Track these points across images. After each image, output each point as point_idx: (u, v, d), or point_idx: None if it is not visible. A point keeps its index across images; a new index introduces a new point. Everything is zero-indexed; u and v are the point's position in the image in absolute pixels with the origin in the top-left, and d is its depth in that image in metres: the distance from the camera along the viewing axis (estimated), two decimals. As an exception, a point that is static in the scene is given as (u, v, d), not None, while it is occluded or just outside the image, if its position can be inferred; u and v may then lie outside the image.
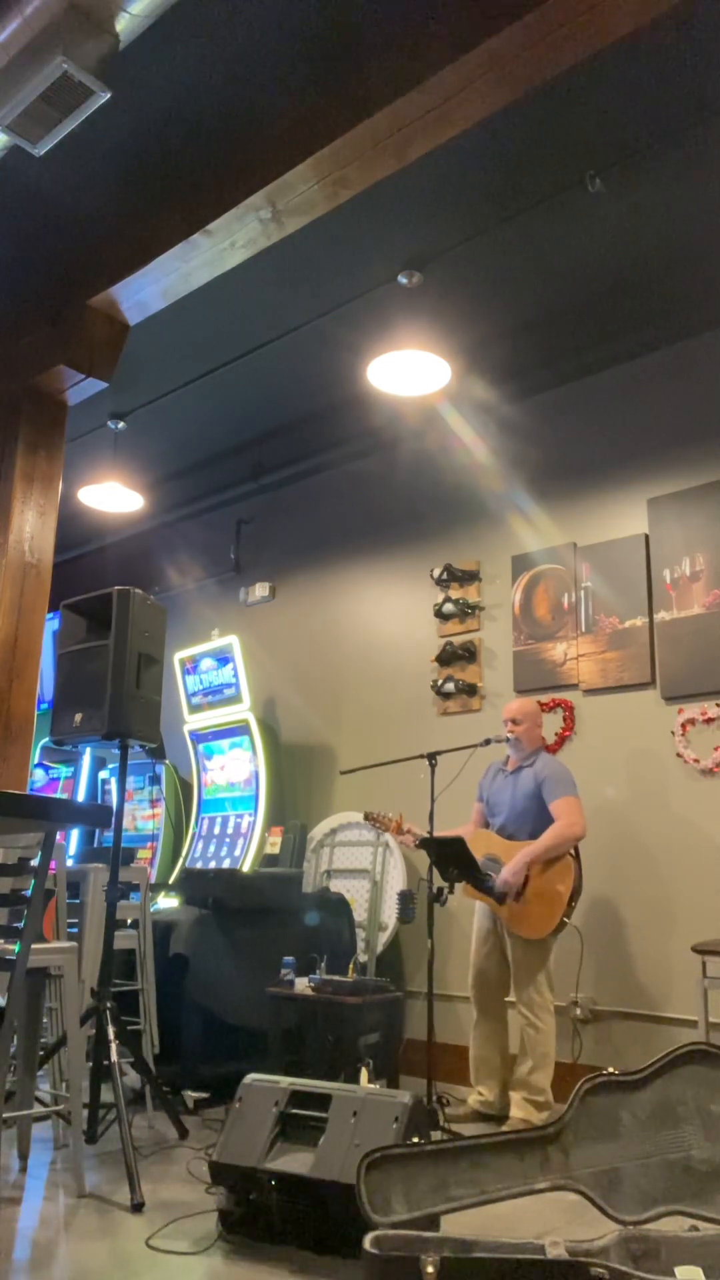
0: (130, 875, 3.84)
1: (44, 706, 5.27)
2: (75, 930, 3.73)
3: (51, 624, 4.59)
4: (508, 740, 4.01)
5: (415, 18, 2.73)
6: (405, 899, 4.06)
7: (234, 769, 5.68)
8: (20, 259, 4.05)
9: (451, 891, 3.68)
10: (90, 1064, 3.26)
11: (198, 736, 5.90)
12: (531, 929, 3.72)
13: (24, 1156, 3.12)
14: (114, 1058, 3.11)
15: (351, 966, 4.15)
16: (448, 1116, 3.66)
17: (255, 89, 3.14)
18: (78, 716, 3.37)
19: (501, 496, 4.94)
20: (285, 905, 4.56)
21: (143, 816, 6.10)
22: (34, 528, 4.06)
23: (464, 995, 4.03)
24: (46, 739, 4.64)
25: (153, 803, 6.08)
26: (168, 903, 4.65)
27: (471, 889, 3.83)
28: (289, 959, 4.01)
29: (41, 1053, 3.21)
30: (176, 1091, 3.87)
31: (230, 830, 5.58)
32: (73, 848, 5.45)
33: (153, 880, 4.90)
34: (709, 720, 4.01)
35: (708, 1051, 2.17)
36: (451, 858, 3.68)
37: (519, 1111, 3.65)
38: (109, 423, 5.35)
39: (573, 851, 3.77)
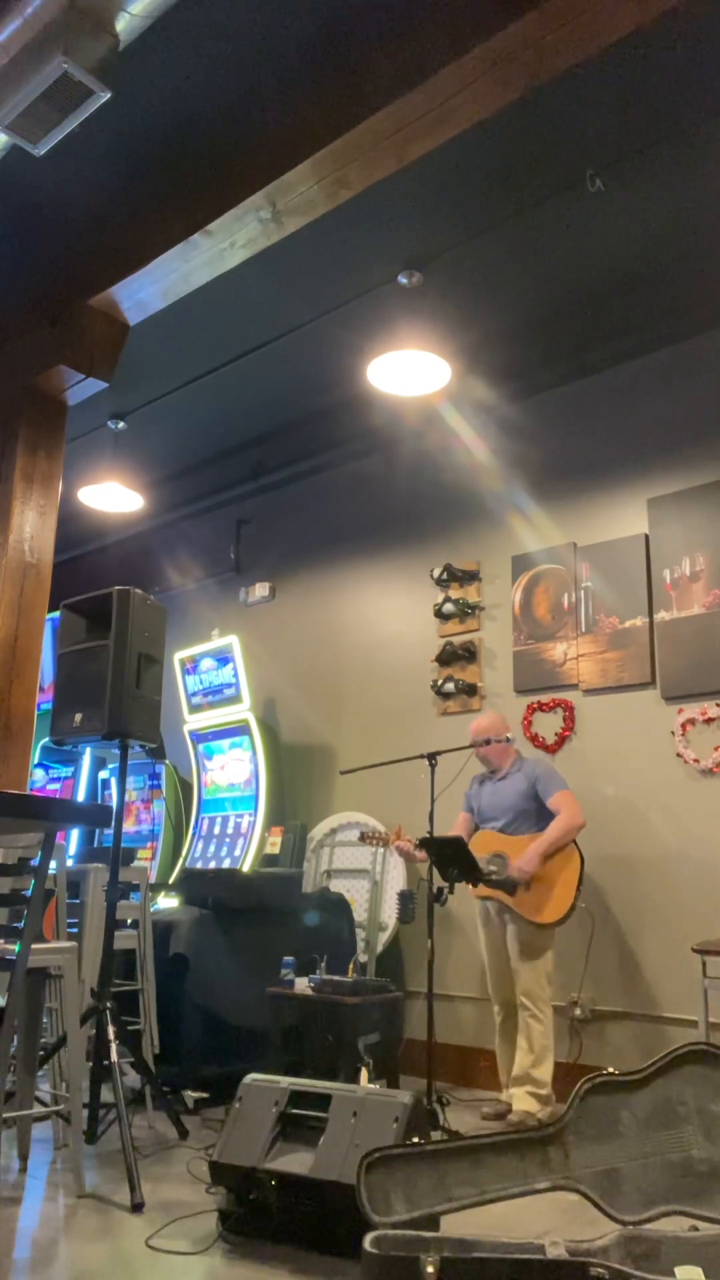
0: (130, 875, 3.84)
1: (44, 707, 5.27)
2: (75, 930, 3.73)
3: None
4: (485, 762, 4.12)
5: (415, 18, 2.73)
6: (405, 899, 4.07)
7: (234, 769, 5.68)
8: (20, 259, 4.05)
9: (451, 891, 3.69)
10: (90, 1064, 3.26)
11: (198, 736, 5.90)
12: (547, 914, 3.77)
13: (24, 1156, 3.12)
14: (114, 1058, 3.10)
15: (351, 966, 4.14)
16: (483, 1116, 3.71)
17: (255, 89, 3.14)
18: (78, 716, 3.37)
19: (501, 496, 4.94)
20: (285, 905, 4.55)
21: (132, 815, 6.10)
22: (34, 528, 4.06)
23: (464, 995, 4.03)
24: (46, 739, 4.64)
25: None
26: (168, 903, 4.65)
27: (484, 887, 3.85)
28: (289, 959, 4.00)
29: (41, 1053, 3.21)
30: (176, 1091, 3.87)
31: (230, 830, 5.58)
32: (73, 848, 5.45)
33: (153, 880, 4.90)
34: (709, 720, 4.01)
35: (708, 1051, 2.17)
36: (451, 858, 3.69)
37: (521, 1104, 3.68)
38: (109, 423, 5.35)
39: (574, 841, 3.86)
